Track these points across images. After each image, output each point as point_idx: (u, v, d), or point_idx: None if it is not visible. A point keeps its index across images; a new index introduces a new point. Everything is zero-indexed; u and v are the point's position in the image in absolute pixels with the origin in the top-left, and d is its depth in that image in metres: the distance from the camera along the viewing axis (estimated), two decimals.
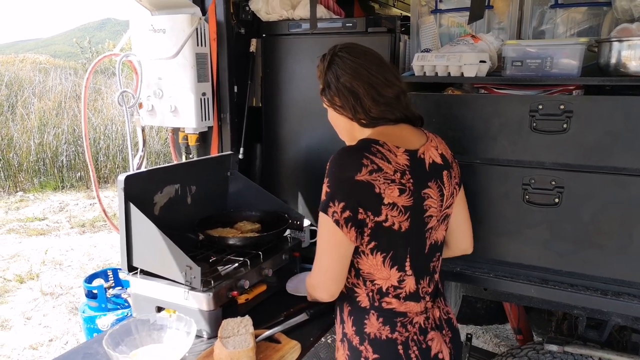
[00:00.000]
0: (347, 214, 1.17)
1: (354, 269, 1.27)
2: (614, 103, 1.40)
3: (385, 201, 1.17)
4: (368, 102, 1.24)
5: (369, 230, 1.19)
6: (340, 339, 1.34)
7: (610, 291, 1.47)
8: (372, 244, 1.21)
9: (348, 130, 1.34)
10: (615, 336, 1.97)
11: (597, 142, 1.42)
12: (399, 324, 1.26)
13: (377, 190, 1.17)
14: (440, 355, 1.29)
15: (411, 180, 1.21)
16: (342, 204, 1.17)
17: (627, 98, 1.40)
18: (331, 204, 1.18)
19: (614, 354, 1.75)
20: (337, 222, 1.18)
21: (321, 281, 1.26)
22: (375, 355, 1.25)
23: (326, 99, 1.32)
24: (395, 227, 1.20)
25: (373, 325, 1.26)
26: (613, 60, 1.40)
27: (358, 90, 1.24)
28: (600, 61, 1.45)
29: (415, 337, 1.26)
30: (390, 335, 1.25)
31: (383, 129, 1.27)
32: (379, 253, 1.22)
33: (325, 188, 1.20)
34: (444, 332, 1.33)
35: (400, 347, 1.25)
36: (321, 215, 1.20)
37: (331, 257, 1.23)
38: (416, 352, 1.26)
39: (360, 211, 1.17)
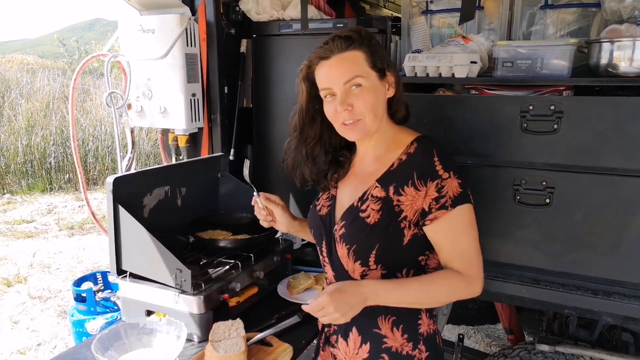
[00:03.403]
0: None
1: (414, 268, 1.23)
2: (603, 104, 1.40)
3: None
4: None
5: None
6: (365, 359, 1.24)
7: (601, 291, 1.48)
8: None
9: (382, 115, 1.24)
10: (606, 335, 1.98)
11: (587, 142, 1.42)
12: (434, 314, 1.27)
13: None
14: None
15: None
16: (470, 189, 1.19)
17: (616, 99, 1.41)
18: (469, 192, 1.18)
19: (604, 353, 1.75)
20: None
21: (482, 272, 1.20)
22: (427, 353, 1.23)
23: (395, 74, 1.24)
24: None
25: (425, 322, 1.24)
26: (603, 61, 1.41)
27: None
28: (590, 62, 1.46)
29: (437, 326, 1.29)
30: (434, 327, 1.26)
31: (407, 129, 1.31)
32: None
33: (454, 181, 1.16)
34: None
35: (437, 337, 1.27)
36: (465, 208, 1.17)
37: (478, 243, 1.21)
38: (440, 341, 1.29)
39: None
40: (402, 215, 1.17)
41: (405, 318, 1.22)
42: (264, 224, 1.48)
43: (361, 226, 1.20)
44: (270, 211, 1.46)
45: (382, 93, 1.21)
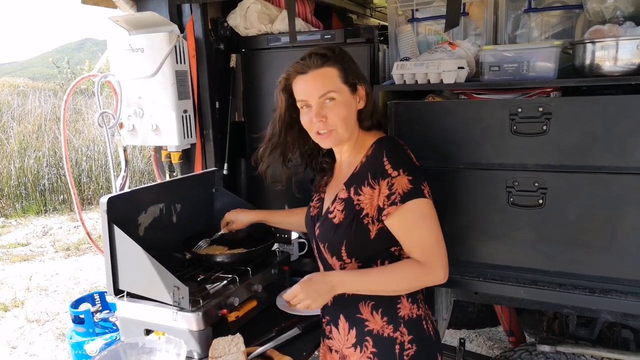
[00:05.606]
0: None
1: (389, 259, 1.31)
2: (590, 103, 1.42)
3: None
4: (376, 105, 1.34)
5: None
6: (353, 344, 1.32)
7: (598, 289, 1.49)
8: None
9: (353, 125, 1.34)
10: (606, 333, 1.98)
11: (576, 142, 1.44)
12: (419, 300, 1.32)
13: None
14: (437, 328, 1.38)
15: None
16: (425, 182, 1.26)
17: (603, 98, 1.42)
18: (422, 186, 1.24)
19: (605, 351, 1.76)
20: (432, 200, 1.26)
21: (444, 260, 1.26)
22: (410, 337, 1.28)
23: (366, 87, 1.34)
24: None
25: (405, 307, 1.30)
26: (587, 62, 1.43)
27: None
28: (575, 63, 1.48)
29: (428, 312, 1.35)
30: (418, 312, 1.31)
31: (375, 132, 1.36)
32: None
33: (403, 178, 1.23)
34: (427, 305, 1.41)
35: (424, 322, 1.31)
36: (417, 202, 1.23)
37: (440, 232, 1.27)
38: (431, 327, 1.33)
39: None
40: (364, 213, 1.27)
41: (384, 302, 1.30)
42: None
43: (329, 225, 1.33)
44: (231, 227, 1.79)
45: (353, 106, 1.32)
